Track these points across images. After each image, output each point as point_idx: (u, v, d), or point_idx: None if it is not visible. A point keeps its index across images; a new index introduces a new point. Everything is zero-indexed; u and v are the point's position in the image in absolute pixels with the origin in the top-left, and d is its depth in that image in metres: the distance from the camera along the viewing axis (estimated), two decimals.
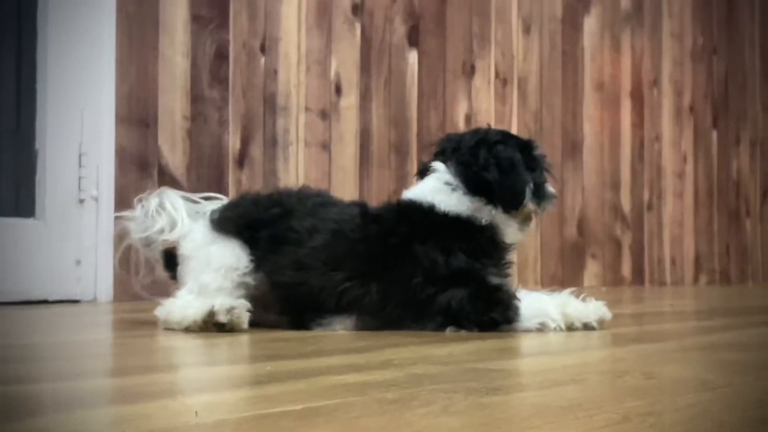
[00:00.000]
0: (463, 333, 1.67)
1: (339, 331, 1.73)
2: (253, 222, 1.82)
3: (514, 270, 1.99)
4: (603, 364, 1.21)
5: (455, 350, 1.41)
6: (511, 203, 1.82)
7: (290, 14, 3.30)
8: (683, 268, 4.97)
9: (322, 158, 3.38)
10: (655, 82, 4.89)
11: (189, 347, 1.53)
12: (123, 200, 2.85)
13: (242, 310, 1.70)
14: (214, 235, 1.83)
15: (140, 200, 1.94)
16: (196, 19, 3.02)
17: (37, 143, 2.73)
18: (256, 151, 3.20)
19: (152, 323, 1.74)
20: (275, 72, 3.26)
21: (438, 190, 1.81)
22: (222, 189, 3.08)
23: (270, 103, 3.24)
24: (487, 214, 1.81)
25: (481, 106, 3.93)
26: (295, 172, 3.29)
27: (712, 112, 5.26)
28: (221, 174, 3.07)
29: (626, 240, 4.60)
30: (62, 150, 2.73)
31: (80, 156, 2.75)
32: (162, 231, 1.89)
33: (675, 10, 5.02)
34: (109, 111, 2.77)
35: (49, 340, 1.65)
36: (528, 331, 1.66)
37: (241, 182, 3.11)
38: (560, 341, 1.57)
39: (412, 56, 3.69)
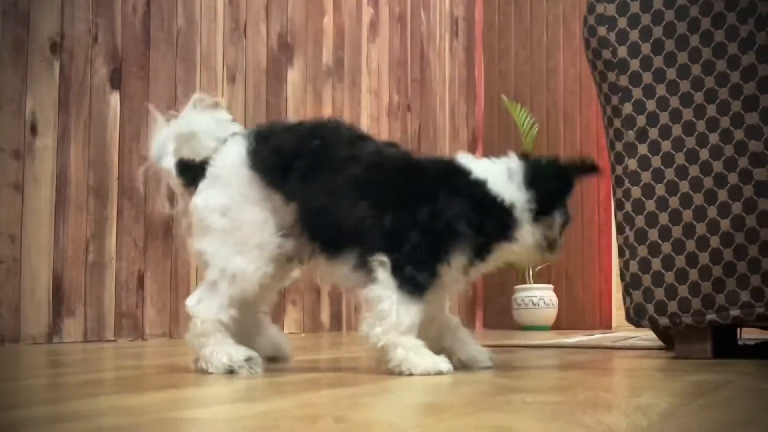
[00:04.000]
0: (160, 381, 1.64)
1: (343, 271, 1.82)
2: (291, 154, 1.83)
3: None
4: (297, 410, 1.24)
5: (149, 400, 1.39)
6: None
7: None
8: None
9: (14, 200, 3.22)
10: None
11: None
12: None
13: (259, 361, 1.85)
14: (247, 174, 1.86)
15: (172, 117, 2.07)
16: None
17: None
18: None
19: None
20: None
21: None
22: None
23: None
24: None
25: None
26: None
27: None
28: None
29: (325, 288, 4.72)
30: None
31: None
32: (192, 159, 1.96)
33: (373, 67, 5.26)
34: None
35: None
36: None
37: None
38: (254, 388, 1.59)
39: (114, 99, 3.61)
